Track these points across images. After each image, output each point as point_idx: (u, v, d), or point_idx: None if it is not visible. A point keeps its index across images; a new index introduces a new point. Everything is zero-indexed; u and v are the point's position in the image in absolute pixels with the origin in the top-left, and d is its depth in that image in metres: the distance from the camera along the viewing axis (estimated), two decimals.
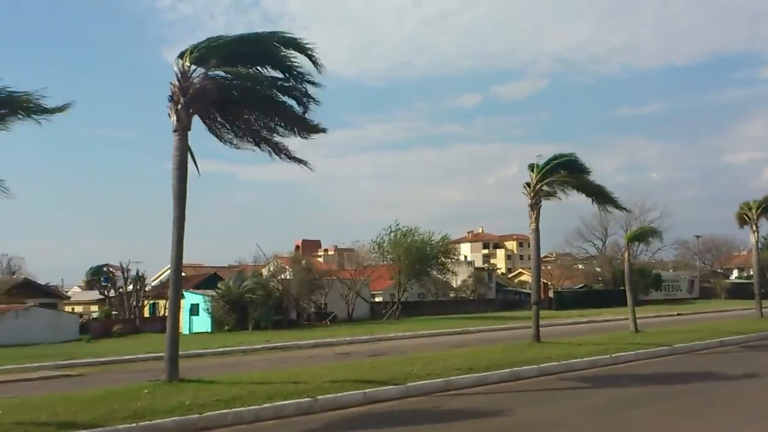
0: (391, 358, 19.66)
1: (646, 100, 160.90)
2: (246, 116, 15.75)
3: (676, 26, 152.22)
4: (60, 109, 12.95)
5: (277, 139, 16.16)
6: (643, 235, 32.76)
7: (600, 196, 24.44)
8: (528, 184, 23.81)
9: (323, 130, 15.95)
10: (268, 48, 15.04)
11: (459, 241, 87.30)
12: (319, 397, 12.92)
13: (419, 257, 52.64)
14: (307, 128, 15.82)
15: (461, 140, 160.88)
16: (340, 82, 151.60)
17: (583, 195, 24.24)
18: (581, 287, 75.13)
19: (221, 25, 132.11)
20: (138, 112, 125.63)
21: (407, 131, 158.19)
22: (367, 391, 13.59)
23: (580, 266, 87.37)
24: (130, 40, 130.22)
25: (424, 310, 56.92)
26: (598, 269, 79.21)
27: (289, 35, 14.99)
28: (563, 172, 23.45)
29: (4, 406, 11.96)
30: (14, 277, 46.22)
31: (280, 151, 16.29)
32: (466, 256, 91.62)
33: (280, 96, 15.55)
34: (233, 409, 11.79)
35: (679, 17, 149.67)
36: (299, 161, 16.38)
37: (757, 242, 37.95)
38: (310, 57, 14.98)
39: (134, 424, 10.63)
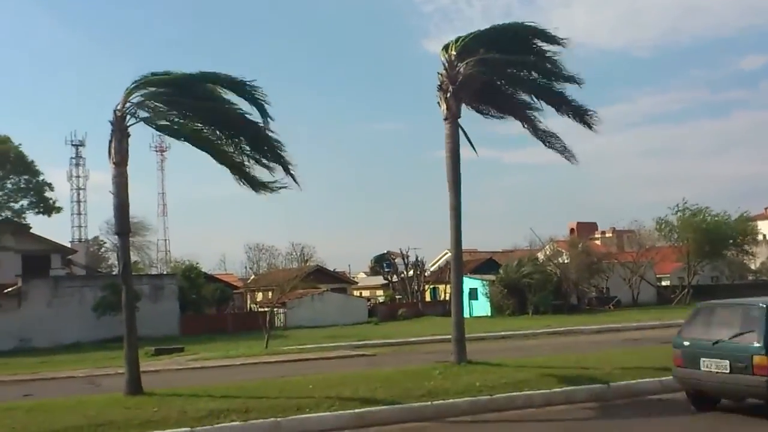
0: None
1: None
2: (513, 100, 15.83)
3: None
4: None
5: (542, 126, 16.10)
6: None
7: None
8: None
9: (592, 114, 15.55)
10: (523, 38, 15.19)
11: (756, 219, 79.13)
12: (611, 383, 12.47)
13: (712, 238, 48.65)
14: (577, 111, 15.54)
15: (747, 107, 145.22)
16: (606, 55, 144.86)
17: None
18: None
19: (478, 11, 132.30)
20: (407, 105, 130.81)
21: (683, 102, 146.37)
22: (663, 379, 12.80)
23: None
24: (392, 36, 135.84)
25: (719, 294, 51.50)
26: None
27: (540, 28, 15.10)
28: None
29: (312, 381, 13.13)
30: (307, 264, 50.64)
31: (546, 135, 16.16)
32: (765, 235, 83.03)
33: (542, 79, 15.59)
34: (523, 392, 11.80)
35: None
36: (562, 152, 16.14)
37: None
38: (558, 43, 14.99)
39: (429, 403, 11.09)
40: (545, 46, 15.20)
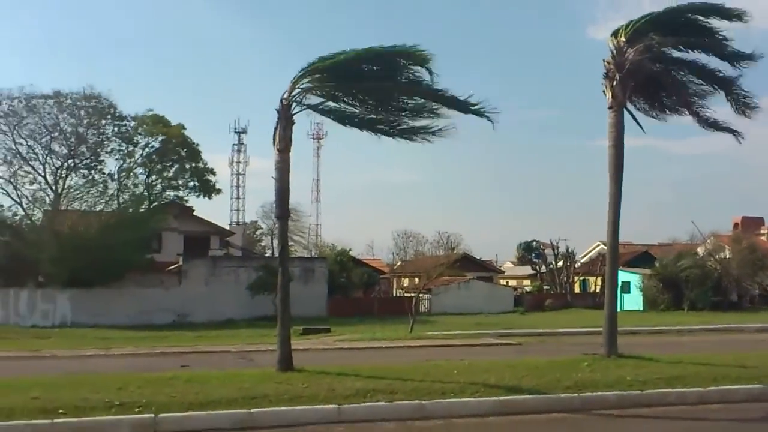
0: None
1: None
2: (684, 89, 15.26)
3: None
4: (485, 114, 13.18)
5: (708, 113, 15.58)
6: None
7: None
8: None
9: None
10: (698, 17, 14.63)
11: None
12: None
13: None
14: (740, 101, 15.02)
15: None
16: None
17: None
18: None
19: None
20: (564, 92, 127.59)
21: None
22: None
23: None
24: (555, 21, 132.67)
25: None
26: None
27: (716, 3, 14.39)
28: None
29: (458, 367, 13.30)
30: (454, 252, 50.83)
31: (707, 122, 15.61)
32: None
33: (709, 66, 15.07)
34: (676, 389, 11.44)
35: None
36: (730, 131, 15.51)
37: None
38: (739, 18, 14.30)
39: (576, 394, 10.96)
40: (722, 25, 14.64)
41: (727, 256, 45.18)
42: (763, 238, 60.84)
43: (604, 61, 14.99)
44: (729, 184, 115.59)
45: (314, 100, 13.57)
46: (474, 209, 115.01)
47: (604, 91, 14.98)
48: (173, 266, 39.06)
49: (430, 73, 12.91)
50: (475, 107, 12.92)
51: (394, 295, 50.53)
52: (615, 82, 14.64)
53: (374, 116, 13.69)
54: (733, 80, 14.97)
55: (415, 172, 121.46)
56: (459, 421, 9.92)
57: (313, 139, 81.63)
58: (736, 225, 64.23)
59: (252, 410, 9.68)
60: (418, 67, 13.04)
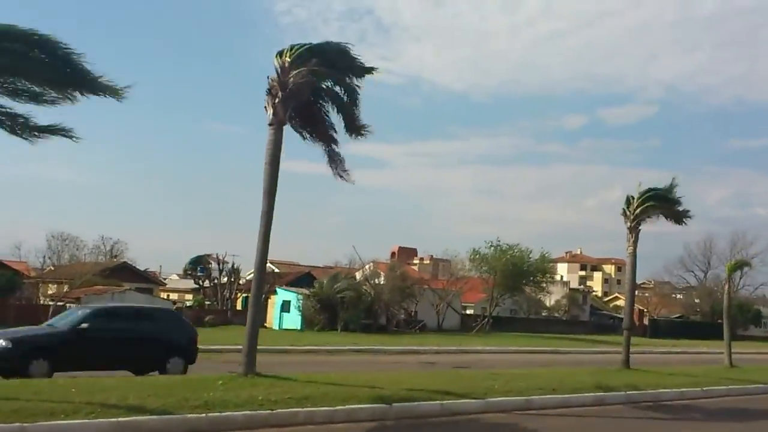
0: (474, 371, 19.06)
1: (757, 134, 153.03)
2: (322, 121, 16.09)
3: None
4: (118, 92, 11.40)
5: (337, 149, 16.47)
6: (738, 266, 31.05)
7: (678, 217, 24.11)
8: (627, 208, 23.14)
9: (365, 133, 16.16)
10: (348, 60, 15.38)
11: (556, 261, 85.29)
12: (394, 404, 12.52)
13: (515, 273, 51.68)
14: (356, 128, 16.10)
15: (565, 161, 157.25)
16: (448, 94, 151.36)
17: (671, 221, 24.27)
18: (678, 317, 72.56)
19: (334, 31, 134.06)
20: (245, 110, 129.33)
21: (511, 148, 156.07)
22: (444, 402, 13.11)
23: (679, 296, 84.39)
24: (246, 41, 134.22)
25: (515, 326, 55.66)
26: (696, 300, 76.28)
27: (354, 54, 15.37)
28: (654, 203, 23.13)
29: (77, 385, 12.03)
30: (115, 260, 47.96)
31: (334, 160, 16.48)
32: (562, 276, 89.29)
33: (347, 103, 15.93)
34: (305, 408, 11.53)
35: None
36: (342, 177, 16.59)
37: None
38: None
39: (204, 415, 10.51)
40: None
41: (382, 282, 48.51)
42: (414, 267, 66.77)
43: (268, 78, 15.03)
44: (394, 216, 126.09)
45: None
46: (146, 217, 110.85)
47: (266, 107, 15.01)
48: None
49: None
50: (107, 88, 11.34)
51: (40, 302, 45.78)
52: (277, 100, 14.77)
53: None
54: (364, 125, 16.05)
55: (78, 170, 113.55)
56: None
57: None
58: (393, 254, 69.70)
59: None
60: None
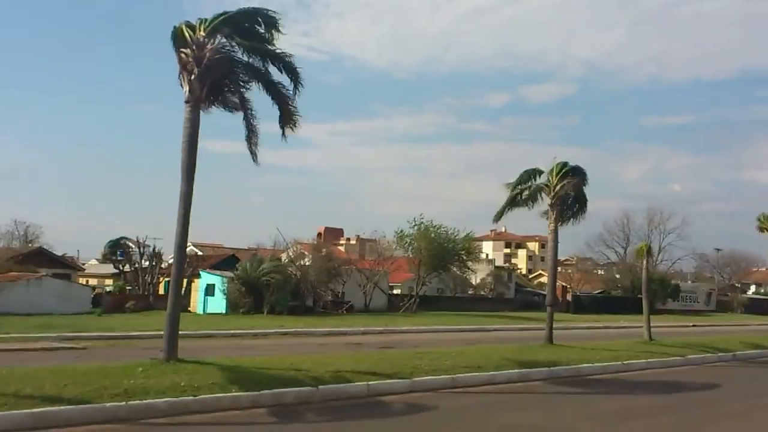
0: (400, 351, 19.13)
1: (673, 111, 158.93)
2: (240, 94, 15.43)
3: (707, 41, 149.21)
4: None
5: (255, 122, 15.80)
6: (647, 250, 31.90)
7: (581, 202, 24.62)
8: (547, 185, 23.55)
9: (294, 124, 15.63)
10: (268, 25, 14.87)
11: (481, 239, 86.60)
12: (320, 386, 12.47)
13: (441, 252, 52.01)
14: (290, 114, 15.51)
15: (488, 138, 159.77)
16: (371, 71, 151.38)
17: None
18: (600, 292, 74.57)
19: (254, 6, 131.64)
20: (166, 88, 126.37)
21: (434, 126, 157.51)
22: (370, 383, 13.16)
23: (600, 272, 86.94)
24: (164, 15, 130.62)
25: (442, 305, 56.26)
26: (617, 276, 78.68)
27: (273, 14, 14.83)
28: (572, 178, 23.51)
29: None
30: (30, 245, 46.11)
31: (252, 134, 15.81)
32: (487, 254, 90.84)
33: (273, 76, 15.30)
34: (229, 394, 11.37)
35: (710, 33, 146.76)
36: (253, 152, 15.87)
37: None
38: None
39: (123, 403, 10.24)
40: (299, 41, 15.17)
41: (308, 263, 48.17)
42: (341, 248, 66.73)
43: (181, 52, 14.40)
44: (318, 196, 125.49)
45: None
46: (64, 201, 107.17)
47: (181, 84, 14.42)
48: None
49: None
50: None
51: None
52: (193, 76, 14.19)
53: None
54: (289, 96, 15.30)
55: None
56: None
57: None
58: (319, 234, 69.57)
59: None
60: None
